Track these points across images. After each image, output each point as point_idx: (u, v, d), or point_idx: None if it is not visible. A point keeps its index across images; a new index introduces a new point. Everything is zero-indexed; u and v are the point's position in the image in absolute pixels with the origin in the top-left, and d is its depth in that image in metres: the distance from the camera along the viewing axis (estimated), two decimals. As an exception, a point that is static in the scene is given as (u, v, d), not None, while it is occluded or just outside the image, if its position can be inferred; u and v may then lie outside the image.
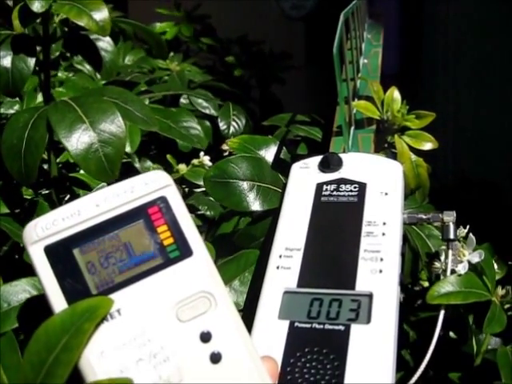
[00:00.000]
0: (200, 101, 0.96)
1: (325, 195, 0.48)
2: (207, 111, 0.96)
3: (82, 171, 0.72)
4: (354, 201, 0.47)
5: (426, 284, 0.61)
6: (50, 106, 0.57)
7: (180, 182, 0.84)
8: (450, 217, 0.49)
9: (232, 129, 0.96)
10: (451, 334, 0.58)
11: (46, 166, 0.71)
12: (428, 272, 0.55)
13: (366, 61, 0.68)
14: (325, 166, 0.50)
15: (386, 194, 0.47)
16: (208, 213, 0.79)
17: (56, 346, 0.30)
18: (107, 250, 0.33)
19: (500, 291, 0.54)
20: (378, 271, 0.42)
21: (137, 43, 1.21)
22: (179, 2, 1.39)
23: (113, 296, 0.32)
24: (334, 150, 0.56)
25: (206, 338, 0.32)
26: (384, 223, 0.45)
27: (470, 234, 0.53)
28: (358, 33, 0.68)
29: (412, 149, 0.61)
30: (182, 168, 0.85)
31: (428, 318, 0.57)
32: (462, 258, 0.52)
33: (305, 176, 0.51)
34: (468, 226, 0.54)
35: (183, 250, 0.33)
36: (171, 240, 0.34)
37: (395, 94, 0.63)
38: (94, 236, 0.33)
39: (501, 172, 1.16)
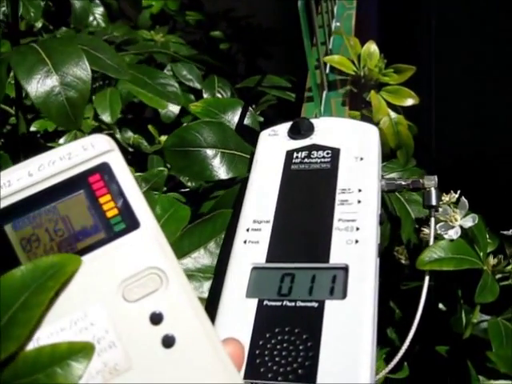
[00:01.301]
0: (184, 72, 0.92)
1: (295, 163, 0.45)
2: (191, 84, 0.92)
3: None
4: (326, 168, 0.44)
5: (403, 261, 0.58)
6: (12, 50, 0.54)
7: (162, 153, 0.80)
8: (431, 182, 0.46)
9: (217, 101, 0.91)
10: (440, 305, 0.55)
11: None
12: (417, 239, 0.52)
13: (338, 24, 0.64)
14: (295, 132, 0.47)
15: (361, 159, 0.44)
16: (189, 184, 0.76)
17: (13, 304, 0.26)
18: (44, 225, 0.29)
19: (492, 260, 0.51)
20: (354, 242, 0.39)
21: (123, 19, 1.16)
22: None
23: (51, 276, 0.28)
24: (305, 115, 0.52)
25: (156, 319, 0.28)
26: (359, 190, 0.42)
27: (462, 198, 0.49)
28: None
29: (392, 106, 0.57)
30: (164, 140, 0.81)
31: (413, 294, 0.54)
32: (453, 223, 0.48)
33: (274, 143, 0.47)
34: (459, 191, 0.51)
35: (129, 222, 0.29)
36: (115, 211, 0.29)
37: (372, 47, 0.59)
38: (27, 210, 0.29)
39: (494, 150, 1.13)
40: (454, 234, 0.48)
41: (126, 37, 0.96)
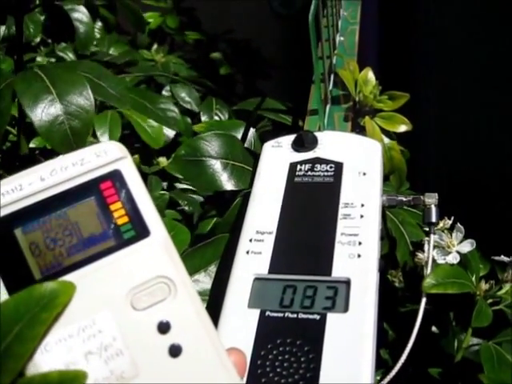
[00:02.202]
0: (183, 95, 0.92)
1: (299, 175, 0.45)
2: (189, 106, 0.92)
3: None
4: (329, 181, 0.44)
5: (397, 284, 0.59)
6: (17, 76, 0.54)
7: (160, 174, 0.81)
8: (431, 199, 0.46)
9: (214, 123, 0.91)
10: (433, 328, 0.56)
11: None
12: (412, 261, 0.53)
13: (342, 38, 0.65)
14: (299, 145, 0.47)
15: (364, 174, 0.44)
16: (187, 208, 0.77)
17: (7, 336, 0.26)
18: (54, 230, 0.29)
19: (483, 285, 0.52)
20: (356, 256, 0.39)
21: (121, 36, 1.17)
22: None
23: (60, 280, 0.28)
24: (308, 129, 0.53)
25: (164, 328, 0.28)
26: (362, 205, 0.42)
27: (458, 224, 0.50)
28: (334, 10, 0.65)
29: (386, 132, 0.58)
30: (163, 161, 0.83)
31: (407, 316, 0.54)
32: (451, 249, 0.49)
33: (277, 155, 0.47)
34: (453, 217, 0.52)
35: (139, 230, 0.30)
36: (126, 219, 0.30)
37: (369, 74, 0.60)
38: (38, 214, 0.29)
39: (488, 173, 1.14)
40: (452, 259, 0.49)
41: (127, 58, 0.97)
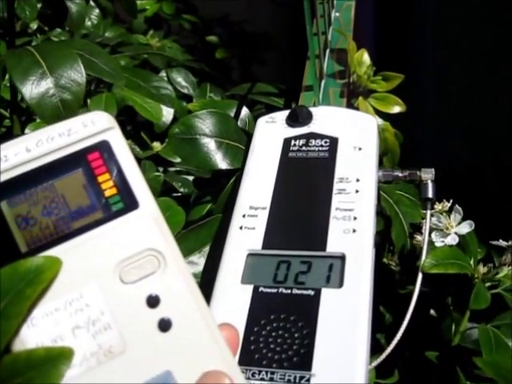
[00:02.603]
0: (179, 79, 0.92)
1: (293, 150, 0.44)
2: (185, 91, 0.92)
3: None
4: (324, 156, 0.43)
5: (393, 267, 0.58)
6: (7, 52, 0.53)
7: (154, 159, 0.80)
8: (428, 174, 0.45)
9: (208, 110, 0.91)
10: (432, 312, 0.56)
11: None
12: (409, 244, 0.52)
13: (337, 14, 0.64)
14: (293, 120, 0.46)
15: (360, 148, 0.43)
16: (182, 189, 0.76)
17: None
18: (40, 203, 0.28)
19: (482, 268, 0.52)
20: (351, 231, 0.38)
21: (117, 23, 1.15)
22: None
23: (46, 254, 0.28)
24: (303, 104, 0.52)
25: (153, 302, 0.27)
26: (357, 180, 0.41)
27: (456, 205, 0.50)
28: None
29: (380, 113, 0.58)
30: (157, 145, 0.82)
31: (404, 299, 0.54)
32: (449, 230, 0.49)
33: (271, 131, 0.46)
34: (451, 200, 0.51)
35: (128, 202, 0.29)
36: (114, 190, 0.29)
37: (364, 56, 0.60)
38: (24, 186, 0.28)
39: (485, 160, 1.14)
40: (451, 240, 0.48)
41: (120, 39, 0.96)
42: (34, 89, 0.48)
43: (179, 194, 0.76)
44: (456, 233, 0.49)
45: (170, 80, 0.91)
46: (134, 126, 0.92)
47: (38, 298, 0.27)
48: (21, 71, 0.49)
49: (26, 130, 0.73)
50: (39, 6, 0.77)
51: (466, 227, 0.49)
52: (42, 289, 0.26)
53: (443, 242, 0.49)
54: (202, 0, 1.33)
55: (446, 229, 0.49)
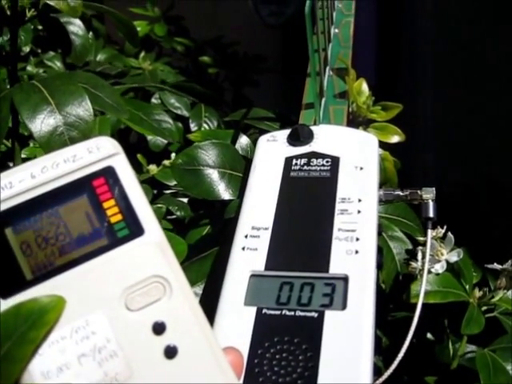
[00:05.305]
0: (172, 101, 0.92)
1: (294, 170, 0.44)
2: (179, 112, 0.92)
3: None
4: (326, 176, 0.43)
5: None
6: (14, 87, 0.53)
7: (150, 182, 0.80)
8: (429, 194, 0.45)
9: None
10: (429, 335, 0.56)
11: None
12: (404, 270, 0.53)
13: (337, 30, 0.64)
14: (294, 139, 0.47)
15: (361, 168, 0.44)
16: (178, 213, 0.76)
17: None
18: (45, 229, 0.28)
19: (477, 293, 0.53)
20: (354, 252, 0.38)
21: (109, 44, 1.16)
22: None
23: (52, 281, 0.28)
24: (304, 123, 0.52)
25: (159, 329, 0.27)
26: (359, 200, 0.41)
27: (449, 233, 0.51)
28: (328, 2, 0.64)
29: (379, 142, 0.58)
30: (153, 168, 0.82)
31: (402, 322, 0.54)
32: (439, 257, 0.50)
33: (273, 149, 0.47)
34: (445, 226, 0.52)
35: (133, 229, 0.29)
36: (119, 217, 0.29)
37: (363, 86, 0.61)
38: (29, 213, 0.28)
39: (478, 178, 1.14)
40: (439, 268, 0.50)
41: (118, 67, 0.98)
42: (43, 127, 0.49)
43: (174, 217, 0.76)
44: (446, 260, 0.50)
45: (163, 102, 0.92)
46: (127, 147, 0.92)
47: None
48: (30, 108, 0.50)
49: (22, 155, 0.74)
50: (32, 27, 0.78)
51: (454, 255, 0.50)
52: (46, 331, 0.26)
53: (432, 267, 0.50)
54: (195, 22, 1.34)
55: (436, 255, 0.50)
